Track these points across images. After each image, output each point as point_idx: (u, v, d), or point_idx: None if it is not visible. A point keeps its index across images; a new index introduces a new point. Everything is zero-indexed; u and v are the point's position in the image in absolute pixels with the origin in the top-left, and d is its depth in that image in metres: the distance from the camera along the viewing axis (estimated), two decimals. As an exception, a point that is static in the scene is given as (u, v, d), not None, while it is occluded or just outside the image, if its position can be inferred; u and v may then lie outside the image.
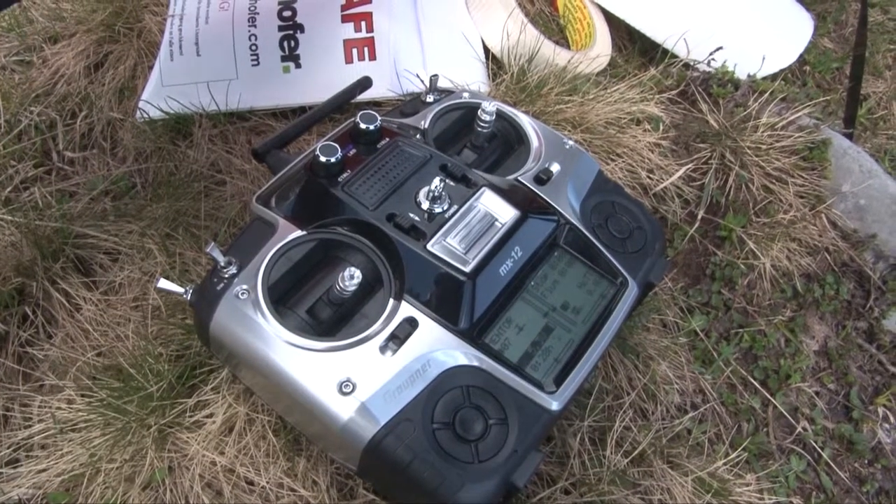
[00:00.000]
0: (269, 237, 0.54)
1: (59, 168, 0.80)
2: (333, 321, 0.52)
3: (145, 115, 0.80)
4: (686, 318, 0.71)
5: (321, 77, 0.80)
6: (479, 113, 0.61)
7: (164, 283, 0.53)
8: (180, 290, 0.53)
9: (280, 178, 0.58)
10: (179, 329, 0.62)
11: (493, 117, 0.61)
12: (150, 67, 0.85)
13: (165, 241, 0.69)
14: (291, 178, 0.58)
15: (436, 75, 0.66)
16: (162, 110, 0.79)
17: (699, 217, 0.75)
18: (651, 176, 0.74)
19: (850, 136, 1.04)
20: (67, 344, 0.64)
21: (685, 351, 0.69)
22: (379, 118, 0.58)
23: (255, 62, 0.81)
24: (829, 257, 0.76)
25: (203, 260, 0.68)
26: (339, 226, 0.54)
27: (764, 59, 0.91)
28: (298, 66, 0.81)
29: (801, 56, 0.98)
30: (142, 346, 0.61)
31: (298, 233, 0.54)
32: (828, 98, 1.10)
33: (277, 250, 0.53)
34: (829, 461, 0.70)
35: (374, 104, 0.80)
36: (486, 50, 0.85)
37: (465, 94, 0.65)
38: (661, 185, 0.74)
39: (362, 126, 0.57)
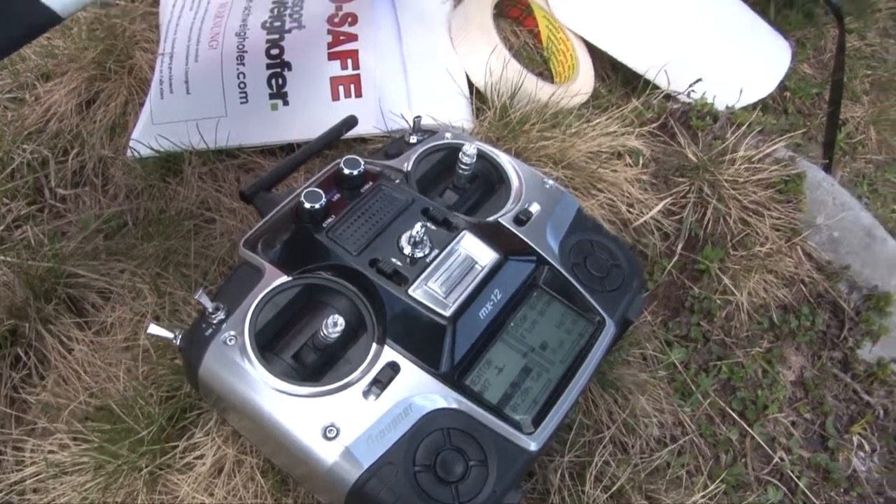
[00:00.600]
0: (256, 283, 0.55)
1: (51, 206, 0.82)
2: (318, 365, 0.53)
3: (136, 154, 0.82)
4: (665, 351, 0.73)
5: (309, 114, 0.82)
6: (460, 155, 0.62)
7: (154, 329, 0.54)
8: (170, 335, 0.54)
9: (267, 222, 0.60)
10: (170, 370, 0.64)
11: (474, 159, 0.62)
12: (141, 104, 0.86)
13: (156, 281, 0.71)
14: (278, 223, 0.59)
15: (419, 116, 0.67)
16: (152, 148, 0.81)
17: (678, 250, 0.77)
18: (631, 210, 0.76)
19: (827, 166, 1.06)
20: (60, 386, 0.65)
21: (664, 384, 0.71)
22: (362, 163, 0.59)
23: (244, 100, 0.82)
24: (804, 289, 0.78)
25: (193, 300, 0.70)
26: (324, 271, 0.56)
27: (742, 91, 0.92)
28: (286, 103, 0.82)
29: (780, 83, 1.00)
30: (133, 388, 0.63)
31: (284, 278, 0.55)
32: (805, 129, 1.12)
33: (264, 296, 0.54)
34: (805, 490, 0.71)
35: (361, 140, 0.81)
36: (471, 85, 0.86)
37: (448, 135, 0.67)
38: (641, 220, 0.75)
39: (346, 171, 0.59)
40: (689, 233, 0.77)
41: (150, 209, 0.79)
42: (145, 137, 0.82)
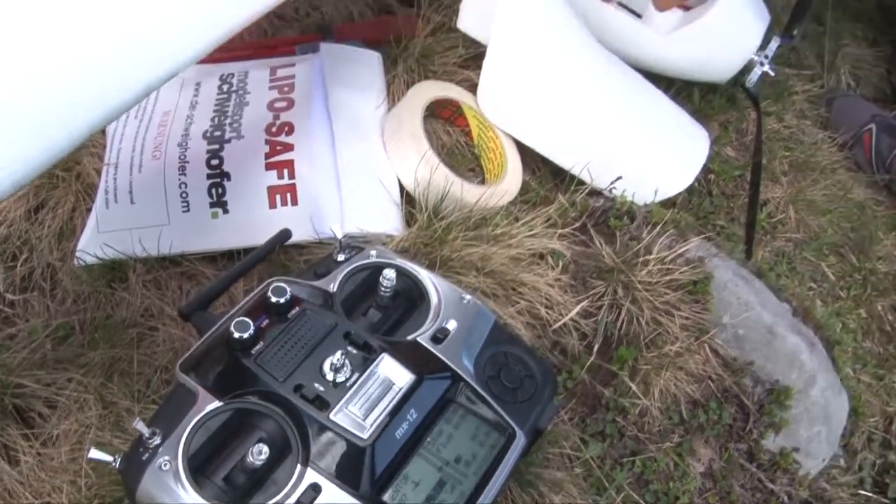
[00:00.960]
0: (190, 407, 0.60)
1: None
2: (247, 487, 0.58)
3: (82, 262, 0.86)
4: (582, 448, 0.78)
5: (247, 222, 0.86)
6: (380, 278, 0.67)
7: (94, 454, 0.58)
8: (110, 458, 0.58)
9: (202, 345, 0.64)
10: (113, 483, 0.67)
11: (393, 282, 0.67)
12: (88, 210, 0.90)
13: (101, 391, 0.75)
14: (212, 346, 0.64)
15: (346, 236, 0.72)
16: (98, 257, 0.85)
17: (595, 350, 0.82)
18: (550, 313, 0.81)
19: (748, 248, 1.12)
20: (5, 499, 0.69)
21: (581, 480, 0.76)
22: (289, 291, 0.64)
23: (186, 209, 0.87)
24: (712, 384, 0.83)
25: (136, 408, 0.74)
26: (254, 395, 0.60)
27: (658, 189, 0.99)
28: (226, 211, 0.87)
29: (697, 177, 1.05)
30: (77, 501, 0.66)
31: (217, 403, 0.60)
32: (729, 209, 1.18)
33: (197, 422, 0.58)
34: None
35: (298, 247, 0.86)
36: (404, 189, 0.92)
37: (373, 253, 0.72)
38: (559, 322, 0.81)
39: (273, 300, 0.64)
40: (605, 333, 0.83)
41: (97, 316, 0.83)
42: (91, 246, 0.86)
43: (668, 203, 1.06)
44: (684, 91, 1.29)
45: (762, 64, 1.21)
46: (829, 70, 1.61)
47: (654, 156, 1.01)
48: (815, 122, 1.46)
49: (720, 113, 1.33)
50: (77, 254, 0.86)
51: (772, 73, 1.23)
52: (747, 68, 1.22)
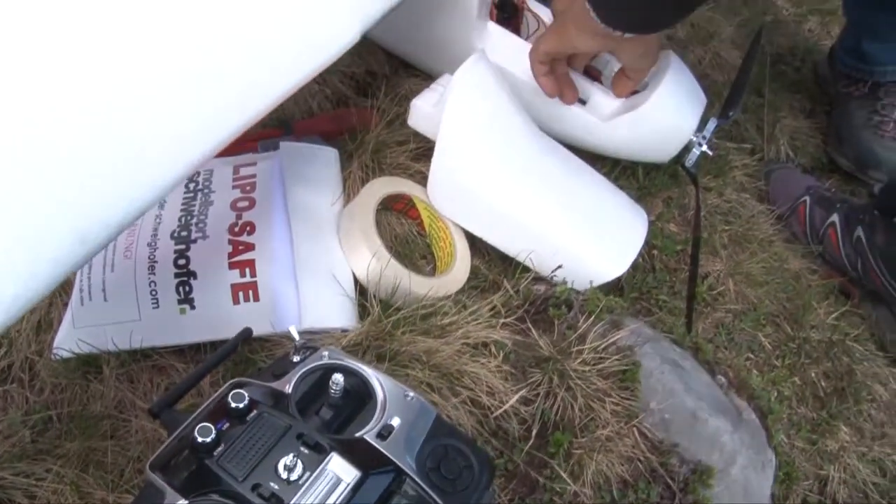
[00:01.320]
0: (158, 506, 0.66)
1: (-19, 402, 0.92)
2: (209, 579, 0.64)
3: (59, 356, 0.93)
4: (521, 529, 0.85)
5: (213, 317, 0.93)
6: (330, 381, 0.75)
7: (69, 551, 0.65)
8: (84, 555, 0.65)
9: (168, 445, 0.71)
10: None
11: (342, 384, 0.75)
12: (65, 304, 0.97)
13: (78, 482, 0.81)
14: (178, 447, 0.71)
15: (301, 340, 0.80)
16: (73, 352, 0.92)
17: (533, 434, 0.90)
18: (491, 401, 0.89)
19: (689, 326, 1.20)
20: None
21: (520, 558, 0.83)
22: (247, 397, 0.71)
23: (156, 305, 0.94)
24: (640, 465, 0.91)
25: (111, 498, 0.80)
26: (217, 494, 0.67)
27: (592, 281, 1.07)
28: (193, 307, 0.94)
29: (634, 261, 1.13)
30: None
31: (182, 501, 0.66)
32: (671, 283, 1.26)
33: (163, 521, 0.65)
34: None
35: (261, 339, 0.93)
36: (358, 283, 0.99)
37: (325, 354, 0.79)
38: (500, 410, 0.88)
39: (233, 405, 0.71)
40: (543, 419, 0.90)
41: (73, 408, 0.90)
42: (67, 342, 0.93)
43: (612, 283, 1.14)
44: (629, 169, 1.38)
45: (700, 144, 1.29)
46: (769, 141, 1.69)
47: (592, 244, 1.09)
48: (753, 195, 1.54)
49: (663, 190, 1.41)
50: (54, 349, 0.92)
51: (709, 153, 1.31)
52: (686, 149, 1.30)
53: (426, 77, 1.35)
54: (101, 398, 0.89)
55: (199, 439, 0.67)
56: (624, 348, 0.94)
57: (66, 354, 0.91)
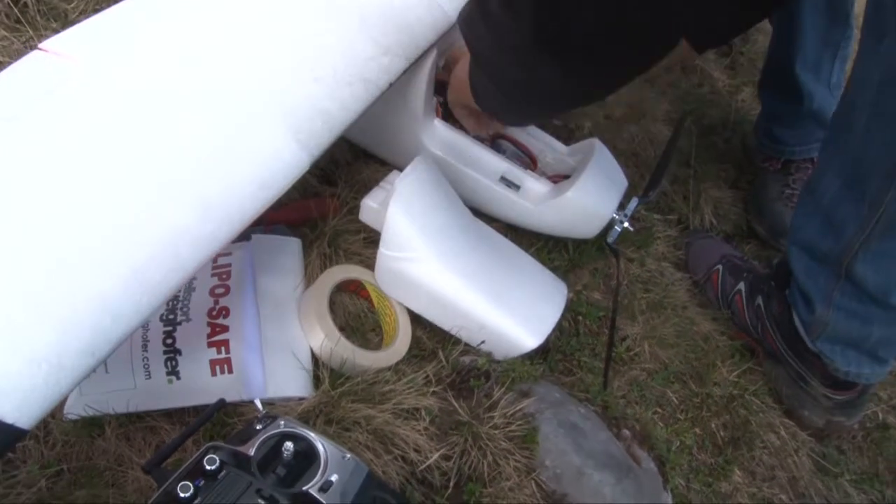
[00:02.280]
0: (147, 551, 0.88)
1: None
2: None
3: (69, 418, 1.14)
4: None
5: (195, 387, 1.14)
6: (283, 447, 0.96)
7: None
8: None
9: (157, 497, 0.93)
10: None
11: (292, 449, 0.96)
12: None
13: (86, 531, 1.02)
14: (165, 499, 0.92)
15: (263, 412, 1.01)
16: (80, 415, 1.13)
17: (451, 485, 1.11)
18: (418, 457, 1.10)
19: (605, 384, 1.41)
20: None
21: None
22: (219, 460, 0.92)
23: (148, 377, 1.15)
24: (537, 512, 1.13)
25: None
26: (193, 539, 0.89)
27: (510, 353, 1.29)
28: (179, 378, 1.15)
29: (550, 335, 1.35)
30: None
31: (166, 548, 0.88)
32: (593, 346, 1.48)
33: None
34: None
35: (233, 405, 1.15)
36: (314, 357, 1.21)
37: (281, 423, 1.00)
38: (425, 465, 1.10)
39: (207, 468, 0.92)
40: (459, 473, 1.12)
41: (81, 461, 1.11)
42: (76, 407, 1.13)
43: (535, 350, 1.35)
44: (561, 243, 1.59)
45: (621, 222, 1.50)
46: (694, 211, 1.90)
47: (512, 321, 1.29)
48: (673, 264, 1.75)
49: (591, 262, 1.62)
50: (65, 412, 1.13)
51: (631, 229, 1.52)
52: (610, 226, 1.52)
53: (383, 164, 1.57)
54: (104, 453, 1.10)
55: (181, 494, 0.88)
56: (528, 414, 1.15)
57: (74, 417, 1.12)
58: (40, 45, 1.00)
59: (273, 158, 0.95)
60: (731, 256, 1.71)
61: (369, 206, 1.32)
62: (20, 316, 0.74)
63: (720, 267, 1.68)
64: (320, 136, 1.02)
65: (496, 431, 1.13)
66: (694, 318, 1.64)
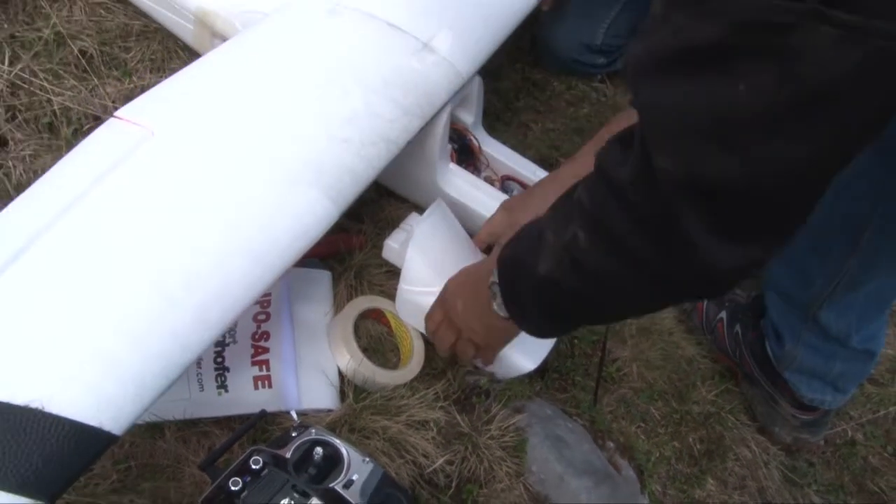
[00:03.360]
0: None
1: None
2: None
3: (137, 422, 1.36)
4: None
5: (240, 399, 1.35)
6: (314, 451, 1.18)
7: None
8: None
9: (212, 489, 1.14)
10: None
11: (321, 453, 1.17)
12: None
13: (156, 514, 1.23)
14: (217, 492, 1.14)
15: (297, 421, 1.23)
16: (145, 420, 1.36)
17: (453, 485, 1.33)
18: (426, 461, 1.32)
19: (595, 400, 1.62)
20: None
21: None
22: (262, 461, 1.14)
23: (201, 389, 1.36)
24: (523, 513, 1.33)
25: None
26: (241, 524, 1.10)
27: (510, 374, 1.49)
28: (227, 391, 1.36)
29: (546, 359, 1.55)
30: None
31: (218, 534, 1.09)
32: (577, 379, 1.68)
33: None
34: None
35: (273, 415, 1.36)
36: (341, 375, 1.43)
37: (313, 431, 1.21)
38: (431, 468, 1.31)
39: (252, 467, 1.14)
40: (460, 476, 1.33)
41: (146, 459, 1.33)
42: (143, 414, 1.36)
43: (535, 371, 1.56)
44: None
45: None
46: None
47: (512, 347, 1.49)
48: None
49: None
50: (134, 419, 1.36)
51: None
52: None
53: (404, 201, 1.77)
54: (165, 453, 1.31)
55: (232, 488, 1.10)
56: (520, 428, 1.37)
57: (139, 421, 1.35)
58: (116, 114, 1.20)
59: (308, 213, 1.12)
60: None
61: (391, 247, 1.53)
62: (115, 349, 0.96)
63: None
64: (348, 192, 1.16)
65: (492, 441, 1.34)
66: (679, 342, 1.81)
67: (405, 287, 1.38)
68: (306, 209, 1.15)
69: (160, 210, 1.09)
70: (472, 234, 1.59)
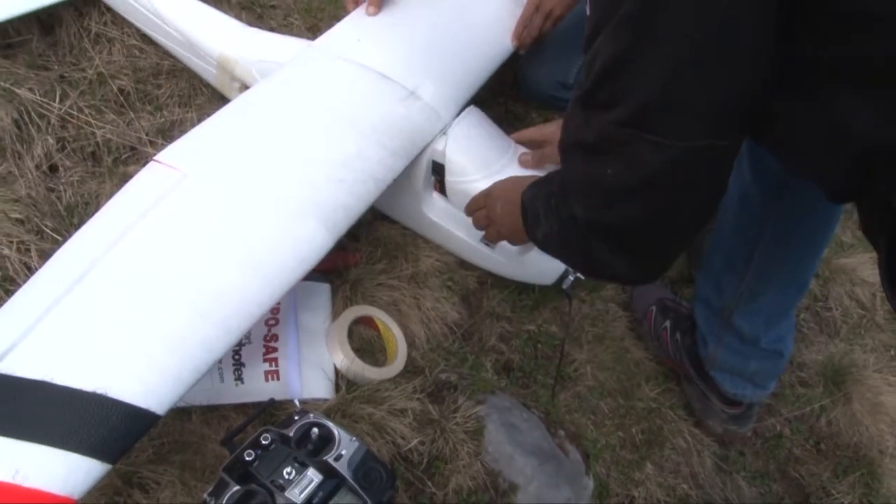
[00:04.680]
0: (227, 491, 1.41)
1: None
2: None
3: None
4: (411, 511, 1.58)
5: (254, 389, 1.61)
6: (311, 431, 1.48)
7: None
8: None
9: (231, 459, 1.45)
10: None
11: (317, 433, 1.47)
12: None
13: (181, 477, 1.55)
14: (235, 461, 1.45)
15: (299, 407, 1.54)
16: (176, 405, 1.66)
17: (424, 461, 1.64)
18: (403, 442, 1.61)
19: (553, 395, 1.92)
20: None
21: (409, 527, 1.56)
22: (270, 437, 1.44)
23: (221, 381, 1.64)
24: (480, 481, 1.64)
25: (199, 487, 1.54)
26: (254, 484, 1.41)
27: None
28: (242, 382, 1.62)
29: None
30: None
31: (237, 487, 1.40)
32: (539, 378, 1.98)
33: (229, 496, 1.40)
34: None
35: (280, 402, 1.67)
36: (336, 371, 1.74)
37: (311, 415, 1.51)
38: (406, 447, 1.62)
39: (262, 442, 1.45)
40: (430, 453, 1.64)
41: (176, 436, 1.63)
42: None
43: (501, 366, 1.87)
44: (528, 287, 1.99)
45: (573, 273, 2.00)
46: None
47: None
48: (619, 304, 2.17)
49: (550, 302, 1.99)
50: (166, 404, 1.66)
51: (582, 278, 2.02)
52: (564, 276, 2.01)
53: (395, 223, 2.06)
54: (191, 432, 1.56)
55: (246, 458, 1.41)
56: (480, 416, 1.67)
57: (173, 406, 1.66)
58: (156, 157, 1.44)
59: (309, 242, 1.34)
60: (664, 299, 2.16)
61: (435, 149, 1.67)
62: (158, 351, 1.18)
63: (654, 307, 2.02)
64: (342, 224, 1.39)
65: (457, 427, 1.64)
66: (629, 347, 1.97)
67: (449, 179, 1.65)
68: (308, 239, 1.37)
69: (193, 241, 1.31)
70: (450, 251, 1.91)
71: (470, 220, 1.60)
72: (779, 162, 1.46)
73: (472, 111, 1.67)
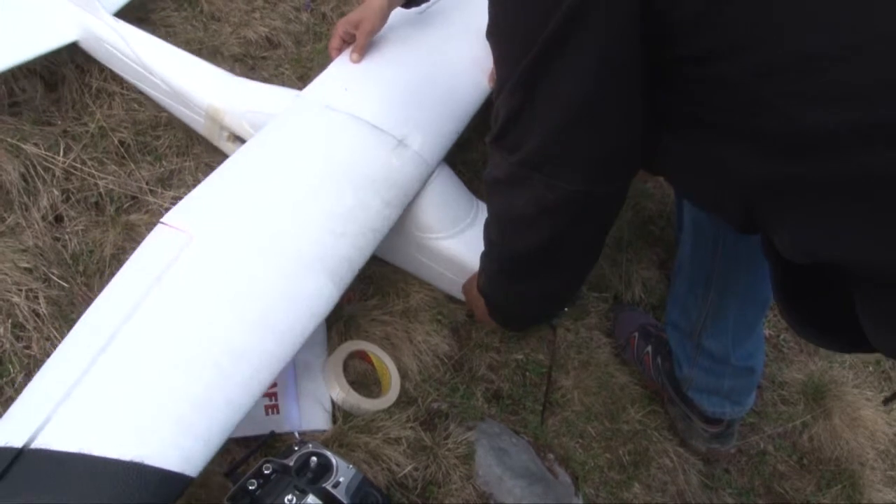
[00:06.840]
0: (229, 517, 1.49)
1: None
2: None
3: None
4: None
5: (255, 422, 1.72)
6: (310, 461, 1.58)
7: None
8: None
9: (235, 489, 1.54)
10: None
11: (316, 462, 1.56)
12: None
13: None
14: (239, 491, 1.54)
15: (298, 438, 1.63)
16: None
17: (419, 487, 1.73)
18: (398, 468, 1.71)
19: (542, 420, 2.02)
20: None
21: (405, 548, 1.64)
22: (272, 468, 1.54)
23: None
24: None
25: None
26: (256, 512, 1.50)
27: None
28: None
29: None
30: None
31: (240, 515, 1.49)
32: (528, 405, 2.07)
33: (232, 523, 1.48)
34: None
35: (280, 434, 1.76)
36: (333, 403, 1.83)
37: (310, 445, 1.59)
38: (401, 473, 1.71)
39: (265, 472, 1.54)
40: (424, 478, 1.73)
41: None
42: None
43: (491, 395, 1.96)
44: None
45: (557, 304, 2.08)
46: (627, 287, 2.39)
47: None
48: (603, 332, 2.19)
49: (537, 332, 2.15)
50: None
51: (566, 309, 2.12)
52: (550, 308, 2.09)
53: (386, 263, 2.16)
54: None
55: (249, 487, 1.49)
56: (470, 442, 1.76)
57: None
58: (162, 220, 1.47)
59: (317, 297, 1.40)
60: (646, 325, 2.22)
61: None
62: (188, 414, 1.19)
63: (637, 333, 2.06)
64: (346, 276, 1.46)
65: (448, 452, 1.73)
66: (614, 372, 2.00)
67: (416, 234, 1.78)
68: (316, 294, 1.41)
69: (207, 303, 1.33)
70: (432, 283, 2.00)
71: (457, 259, 1.82)
72: (681, 196, 1.63)
73: (443, 169, 1.73)
